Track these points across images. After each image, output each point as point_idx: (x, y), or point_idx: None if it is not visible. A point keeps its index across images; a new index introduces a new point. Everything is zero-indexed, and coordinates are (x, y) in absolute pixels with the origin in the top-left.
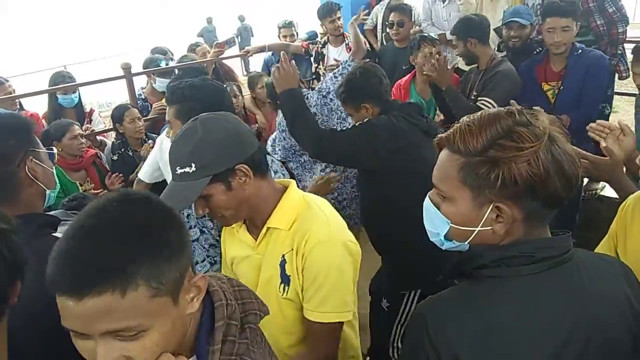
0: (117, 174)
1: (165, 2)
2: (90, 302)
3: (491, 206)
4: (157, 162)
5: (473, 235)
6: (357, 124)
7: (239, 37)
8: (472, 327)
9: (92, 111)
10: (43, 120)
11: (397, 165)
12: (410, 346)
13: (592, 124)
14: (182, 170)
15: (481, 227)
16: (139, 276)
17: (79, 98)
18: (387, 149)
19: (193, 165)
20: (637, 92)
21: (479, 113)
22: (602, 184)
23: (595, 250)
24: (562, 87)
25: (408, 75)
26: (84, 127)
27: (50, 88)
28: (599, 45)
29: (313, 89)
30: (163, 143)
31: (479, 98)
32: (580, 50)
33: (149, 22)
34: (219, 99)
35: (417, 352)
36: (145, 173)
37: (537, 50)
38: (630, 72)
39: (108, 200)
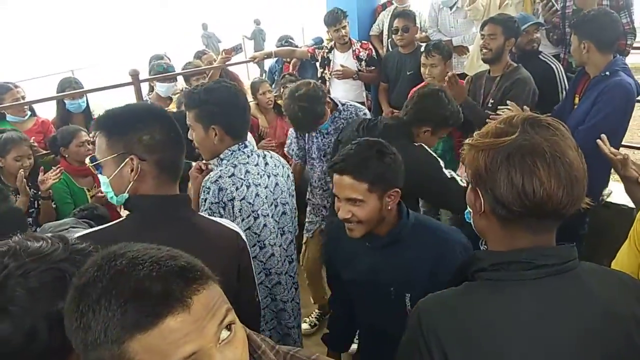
0: None
1: (164, 3)
2: None
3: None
4: None
5: (472, 216)
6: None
7: (253, 39)
8: (463, 326)
9: None
10: (52, 126)
11: None
12: (407, 338)
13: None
14: None
15: (470, 208)
16: None
17: (87, 103)
18: None
19: None
20: None
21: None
22: (608, 190)
23: (617, 259)
24: (577, 104)
25: (423, 83)
26: (91, 134)
27: (57, 95)
28: None
29: None
30: None
31: (501, 107)
32: (607, 73)
33: (152, 27)
34: (234, 99)
35: (412, 345)
36: None
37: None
38: None
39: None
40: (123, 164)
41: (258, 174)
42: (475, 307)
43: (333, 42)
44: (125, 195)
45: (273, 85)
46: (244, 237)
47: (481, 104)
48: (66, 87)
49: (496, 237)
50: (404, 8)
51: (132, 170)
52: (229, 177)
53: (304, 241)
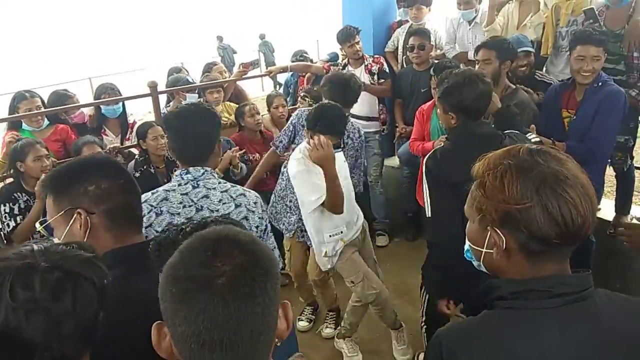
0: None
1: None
2: None
3: (488, 229)
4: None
5: (482, 256)
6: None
7: (263, 52)
8: (483, 356)
9: (135, 123)
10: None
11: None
12: None
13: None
14: None
15: (485, 249)
16: None
17: (123, 109)
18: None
19: None
20: None
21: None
22: (633, 214)
23: None
24: (575, 117)
25: (432, 101)
26: (126, 137)
27: (65, 107)
28: (627, 77)
29: None
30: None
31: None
32: (600, 83)
33: (167, 38)
34: (187, 127)
35: None
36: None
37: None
38: None
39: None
40: (72, 221)
41: (180, 203)
42: (497, 336)
43: (347, 58)
44: None
45: (288, 98)
46: None
47: None
48: (102, 93)
49: (517, 272)
50: (420, 26)
51: (80, 226)
52: (143, 201)
53: (287, 248)
